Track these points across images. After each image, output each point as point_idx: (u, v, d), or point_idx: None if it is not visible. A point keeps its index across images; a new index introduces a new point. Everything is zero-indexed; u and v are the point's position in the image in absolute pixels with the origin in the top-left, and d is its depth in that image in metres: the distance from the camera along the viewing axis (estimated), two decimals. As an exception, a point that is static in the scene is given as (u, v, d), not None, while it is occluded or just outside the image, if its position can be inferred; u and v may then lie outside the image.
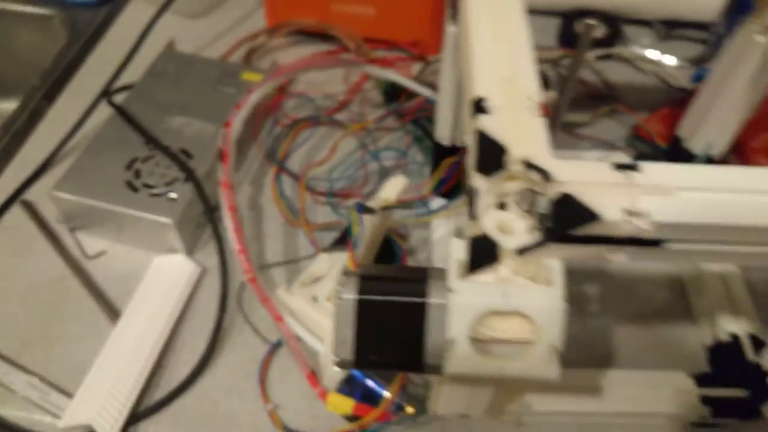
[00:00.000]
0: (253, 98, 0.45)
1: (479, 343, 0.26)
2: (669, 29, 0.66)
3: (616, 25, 0.66)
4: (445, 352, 0.25)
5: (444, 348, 0.25)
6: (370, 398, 0.39)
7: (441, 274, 0.26)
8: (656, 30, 0.67)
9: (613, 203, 0.24)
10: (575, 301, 0.48)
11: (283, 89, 0.60)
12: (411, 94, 0.56)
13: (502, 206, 0.27)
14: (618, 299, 0.48)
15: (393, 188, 0.34)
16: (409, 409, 0.40)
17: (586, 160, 0.26)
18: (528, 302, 0.24)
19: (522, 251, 0.25)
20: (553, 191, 0.24)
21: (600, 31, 0.65)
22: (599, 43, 0.64)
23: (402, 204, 0.34)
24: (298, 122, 0.57)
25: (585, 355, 0.45)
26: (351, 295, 0.25)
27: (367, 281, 0.25)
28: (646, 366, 0.45)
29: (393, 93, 0.57)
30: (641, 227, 0.24)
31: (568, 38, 0.65)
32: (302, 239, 0.50)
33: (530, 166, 0.24)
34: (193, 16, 0.69)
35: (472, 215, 0.26)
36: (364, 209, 0.30)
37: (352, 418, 0.39)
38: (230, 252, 0.47)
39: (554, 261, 0.26)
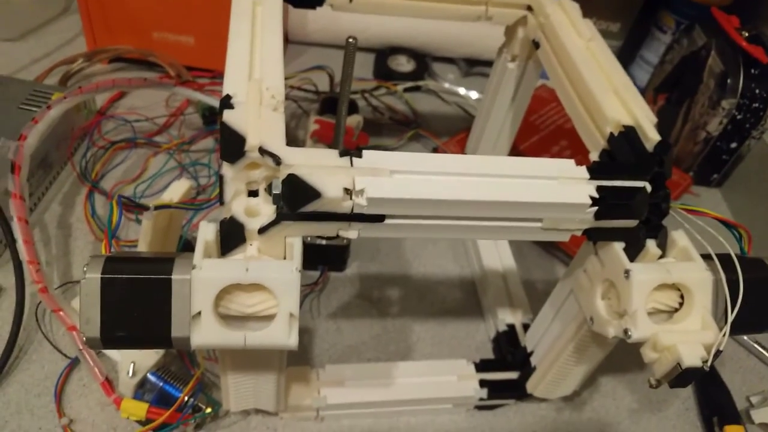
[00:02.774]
0: (52, 113, 0.46)
1: (229, 319, 0.28)
2: (470, 67, 0.75)
3: (424, 62, 0.73)
4: (191, 326, 0.27)
5: (190, 321, 0.27)
6: (165, 402, 0.40)
7: (190, 255, 0.28)
8: (459, 67, 0.75)
9: (334, 182, 0.27)
10: (378, 305, 0.51)
11: (102, 112, 0.60)
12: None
13: (254, 194, 0.30)
14: (416, 301, 0.52)
15: (176, 190, 0.36)
16: (208, 409, 0.41)
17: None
18: (266, 273, 0.27)
19: (262, 230, 0.28)
20: (284, 173, 0.27)
21: (409, 66, 0.72)
22: (408, 77, 0.71)
23: (185, 204, 0.36)
24: (114, 143, 0.57)
25: (385, 352, 0.49)
26: (95, 274, 0.26)
27: (112, 261, 0.27)
28: (440, 358, 0.49)
29: (211, 116, 0.60)
30: (358, 202, 0.28)
31: (382, 71, 0.71)
32: (112, 256, 0.50)
33: (264, 151, 0.27)
34: (11, 39, 0.68)
35: (222, 201, 0.29)
36: (126, 201, 0.31)
37: (148, 423, 0.39)
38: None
39: (295, 239, 0.29)
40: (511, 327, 0.49)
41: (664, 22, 0.73)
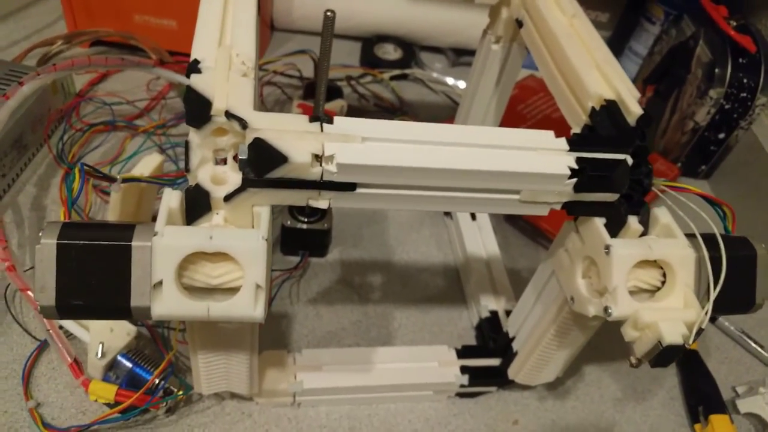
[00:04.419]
0: (24, 90, 0.44)
1: (194, 290, 0.27)
2: (458, 56, 0.74)
3: (411, 50, 0.72)
4: (152, 295, 0.26)
5: (151, 291, 0.26)
6: (136, 384, 0.39)
7: (153, 224, 0.27)
8: (447, 56, 0.75)
9: (302, 147, 0.26)
10: (359, 291, 0.50)
11: (81, 95, 0.59)
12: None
13: (223, 162, 0.29)
14: (398, 287, 0.51)
15: (147, 164, 0.35)
16: (179, 393, 0.40)
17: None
18: (231, 242, 0.26)
19: (228, 198, 0.27)
20: (251, 137, 0.26)
21: (396, 54, 0.71)
22: (395, 65, 0.70)
23: (154, 178, 0.34)
24: (92, 126, 0.56)
25: (365, 338, 0.48)
26: (50, 240, 0.25)
27: (69, 227, 0.25)
28: (421, 345, 0.48)
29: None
30: (328, 169, 0.27)
31: (369, 59, 0.70)
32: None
33: (230, 115, 0.26)
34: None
35: (187, 168, 0.28)
36: (90, 170, 0.30)
37: (117, 406, 0.38)
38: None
39: (263, 208, 0.28)
40: (494, 313, 0.48)
41: (652, 13, 0.72)
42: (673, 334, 0.29)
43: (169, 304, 0.26)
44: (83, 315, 0.26)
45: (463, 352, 0.45)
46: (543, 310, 0.38)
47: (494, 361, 0.45)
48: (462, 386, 0.44)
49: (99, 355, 0.38)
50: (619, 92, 0.33)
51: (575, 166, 0.29)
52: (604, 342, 0.48)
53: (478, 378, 0.44)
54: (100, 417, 0.38)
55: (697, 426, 0.46)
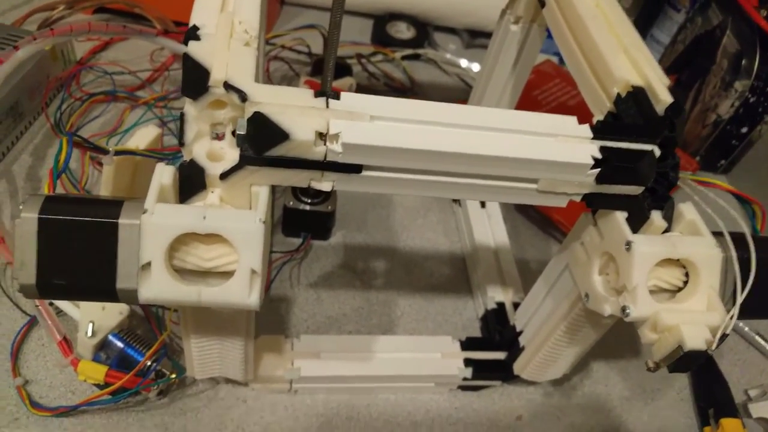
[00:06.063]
0: (20, 54, 0.42)
1: (186, 273, 0.25)
2: (472, 38, 0.72)
3: (424, 30, 0.70)
4: (139, 277, 0.24)
5: (139, 272, 0.24)
6: (127, 365, 0.38)
7: (143, 200, 0.25)
8: (462, 38, 0.72)
9: (306, 124, 0.24)
10: (362, 276, 0.49)
11: (82, 62, 0.57)
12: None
13: (220, 137, 0.27)
14: (402, 274, 0.50)
15: (143, 137, 0.33)
16: (171, 375, 0.38)
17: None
18: (225, 223, 0.24)
19: (224, 176, 0.25)
20: (250, 111, 0.24)
21: (409, 33, 0.69)
22: (407, 44, 0.67)
23: (150, 152, 0.33)
24: (92, 96, 0.54)
25: (366, 325, 0.46)
26: (31, 214, 0.23)
27: (52, 201, 0.24)
28: (424, 335, 0.46)
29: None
30: (332, 149, 0.25)
31: (381, 38, 0.68)
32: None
33: (229, 86, 0.24)
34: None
35: (181, 142, 0.26)
36: (80, 141, 0.28)
37: (106, 387, 0.37)
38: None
39: (262, 188, 0.26)
40: (501, 305, 0.46)
41: (678, 0, 0.70)
42: (696, 339, 0.27)
43: (157, 287, 0.24)
44: (66, 296, 0.25)
45: (468, 344, 0.43)
46: (554, 305, 0.37)
47: (499, 355, 0.43)
48: (465, 379, 0.42)
49: (89, 334, 0.37)
50: (648, 78, 0.31)
51: (599, 156, 0.27)
52: (613, 337, 0.46)
53: (482, 371, 0.42)
54: (89, 398, 0.37)
55: (707, 429, 0.44)
